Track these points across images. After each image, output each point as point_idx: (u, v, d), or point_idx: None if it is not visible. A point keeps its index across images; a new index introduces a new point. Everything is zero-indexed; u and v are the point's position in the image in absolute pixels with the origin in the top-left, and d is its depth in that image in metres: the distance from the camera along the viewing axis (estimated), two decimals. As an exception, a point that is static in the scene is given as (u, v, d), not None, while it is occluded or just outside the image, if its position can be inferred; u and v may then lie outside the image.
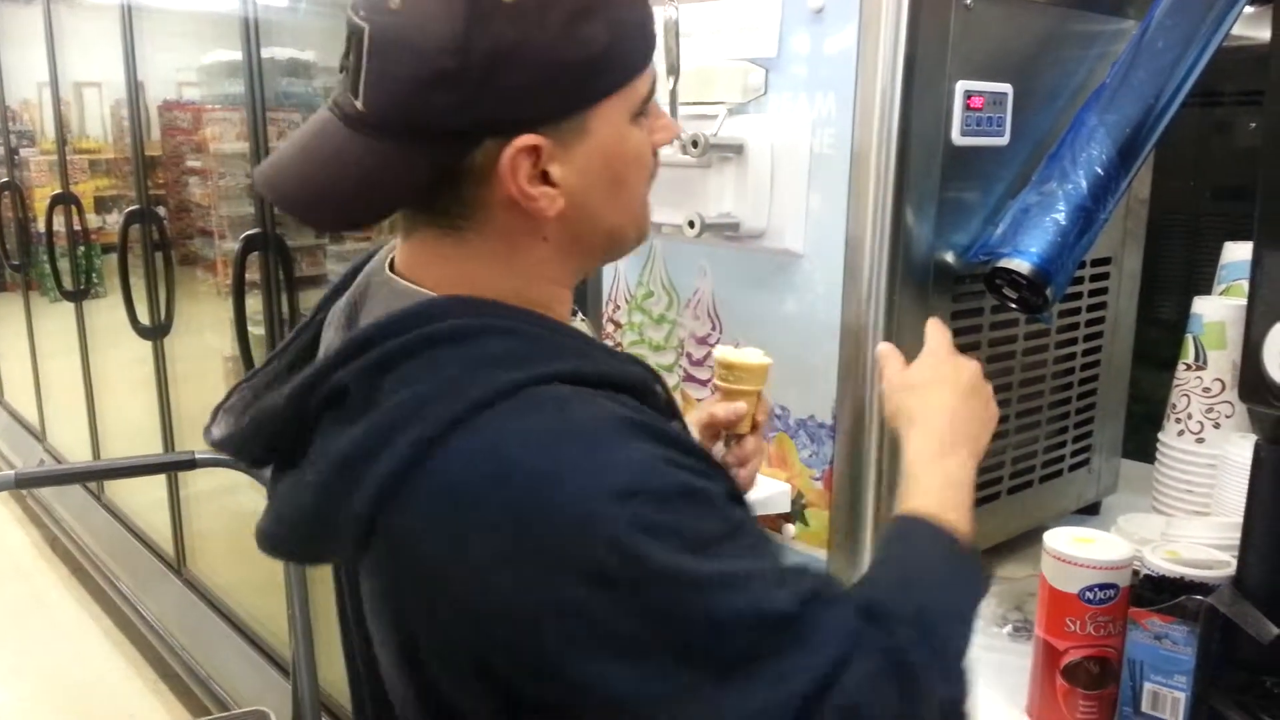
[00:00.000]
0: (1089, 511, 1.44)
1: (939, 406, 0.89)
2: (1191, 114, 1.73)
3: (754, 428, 1.01)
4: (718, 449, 1.02)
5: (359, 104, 0.68)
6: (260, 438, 0.75)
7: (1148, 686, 0.85)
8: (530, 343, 0.71)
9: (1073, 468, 1.38)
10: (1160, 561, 0.89)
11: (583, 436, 0.64)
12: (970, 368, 0.93)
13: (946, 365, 0.94)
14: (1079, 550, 0.90)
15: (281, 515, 0.72)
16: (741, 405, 0.98)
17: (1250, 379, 0.77)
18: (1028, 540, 1.30)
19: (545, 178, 0.71)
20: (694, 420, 1.03)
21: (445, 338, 0.69)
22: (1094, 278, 1.33)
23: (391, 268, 0.77)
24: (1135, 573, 0.90)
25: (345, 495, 0.65)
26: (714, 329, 1.28)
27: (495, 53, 0.66)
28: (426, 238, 0.74)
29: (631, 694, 0.61)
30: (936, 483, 0.83)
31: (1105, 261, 1.35)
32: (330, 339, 0.79)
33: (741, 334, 1.24)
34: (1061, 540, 0.92)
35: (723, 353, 0.99)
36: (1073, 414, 1.36)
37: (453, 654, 0.68)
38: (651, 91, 0.76)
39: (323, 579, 2.22)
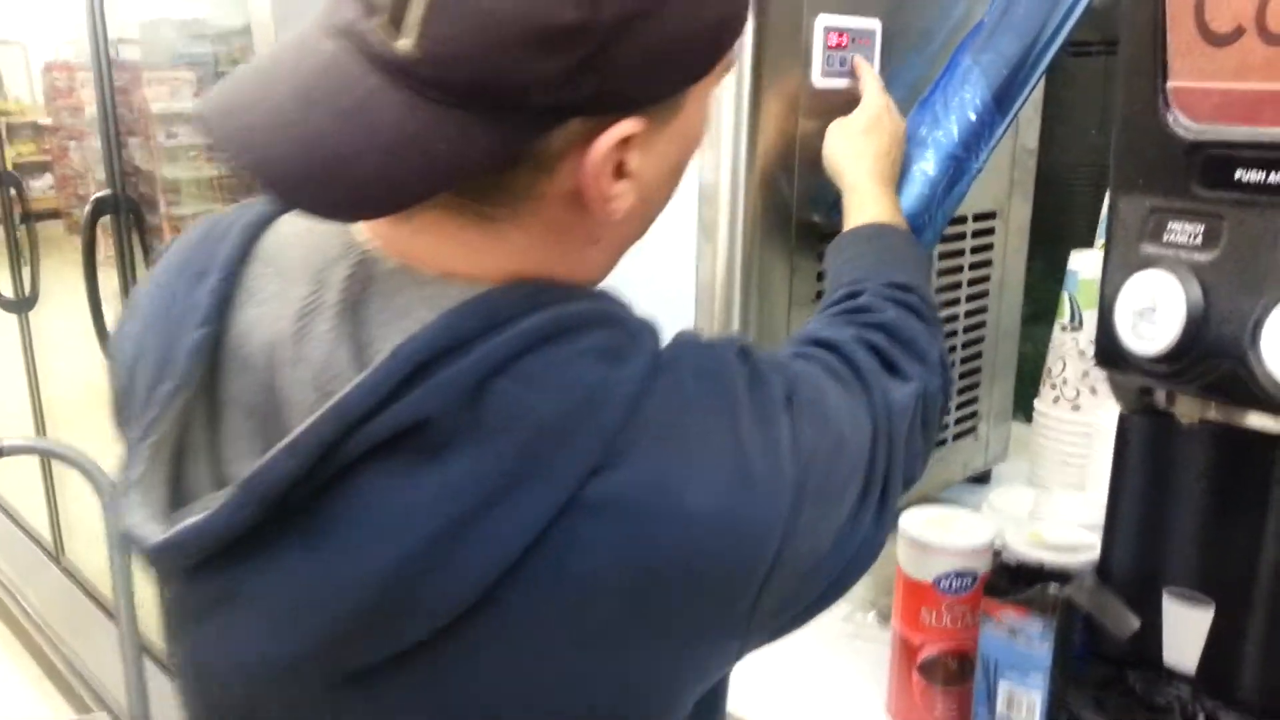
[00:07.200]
0: (979, 480, 1.37)
1: (881, 150, 0.99)
2: (1095, 63, 1.67)
3: None
4: None
5: (408, 45, 0.46)
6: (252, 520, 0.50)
7: (1002, 686, 0.77)
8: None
9: (958, 435, 1.30)
10: (1018, 546, 0.80)
11: None
12: (896, 118, 1.03)
13: (886, 116, 1.02)
14: (934, 534, 0.82)
15: (300, 616, 0.50)
16: None
17: (1104, 341, 0.67)
18: (907, 515, 1.23)
19: (619, 169, 0.53)
20: None
21: (549, 333, 0.52)
22: (977, 233, 1.24)
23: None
24: (997, 555, 0.82)
25: (448, 560, 0.48)
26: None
27: (630, 11, 0.47)
28: (440, 222, 0.53)
29: None
30: (890, 204, 0.96)
31: (989, 215, 1.26)
32: (297, 370, 0.53)
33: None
34: (916, 523, 0.83)
35: None
36: (957, 378, 1.27)
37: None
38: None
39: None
